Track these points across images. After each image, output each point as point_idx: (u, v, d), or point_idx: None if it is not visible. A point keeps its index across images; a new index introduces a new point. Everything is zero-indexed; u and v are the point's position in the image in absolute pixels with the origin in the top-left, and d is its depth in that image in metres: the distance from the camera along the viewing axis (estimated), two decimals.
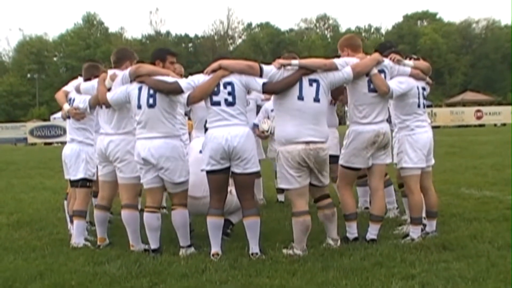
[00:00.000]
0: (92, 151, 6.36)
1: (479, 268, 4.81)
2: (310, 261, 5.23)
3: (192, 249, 5.72)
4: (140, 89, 5.64)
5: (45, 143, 41.33)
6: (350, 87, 5.92)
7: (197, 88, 5.52)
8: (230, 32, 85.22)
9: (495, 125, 44.57)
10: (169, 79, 5.65)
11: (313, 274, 4.84)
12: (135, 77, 5.70)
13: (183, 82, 5.59)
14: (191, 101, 5.63)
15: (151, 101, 5.58)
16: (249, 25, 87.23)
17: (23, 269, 5.30)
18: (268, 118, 8.65)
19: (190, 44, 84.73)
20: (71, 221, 6.62)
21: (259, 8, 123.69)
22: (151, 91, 5.59)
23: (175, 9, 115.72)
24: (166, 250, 5.81)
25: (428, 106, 41.20)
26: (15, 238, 6.85)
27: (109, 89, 5.88)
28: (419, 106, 6.08)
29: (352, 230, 6.00)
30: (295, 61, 5.52)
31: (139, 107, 5.63)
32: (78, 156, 6.39)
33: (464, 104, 53.20)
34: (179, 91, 5.55)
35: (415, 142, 6.01)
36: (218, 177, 5.53)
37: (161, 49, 6.41)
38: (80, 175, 6.37)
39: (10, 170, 17.48)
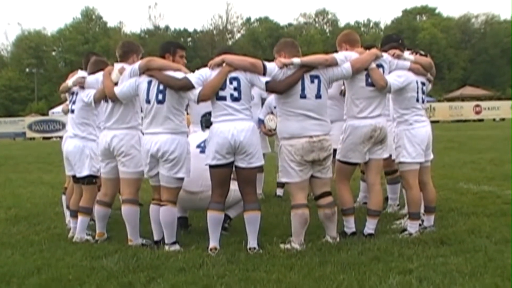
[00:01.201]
0: (95, 146, 6.29)
1: (477, 262, 4.82)
2: (307, 256, 5.23)
3: (176, 246, 5.67)
4: (149, 83, 5.60)
5: (44, 138, 41.31)
6: (348, 81, 5.92)
7: (206, 86, 5.49)
8: (229, 27, 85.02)
9: (494, 120, 44.61)
10: (179, 74, 5.60)
11: (310, 269, 4.85)
12: (145, 70, 5.65)
13: (193, 78, 5.54)
14: (201, 99, 5.55)
15: (160, 97, 5.55)
16: (248, 19, 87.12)
17: (20, 264, 5.31)
18: (272, 113, 8.61)
19: (189, 39, 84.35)
20: (72, 215, 6.59)
21: (258, 3, 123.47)
22: (161, 87, 5.56)
23: (174, 4, 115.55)
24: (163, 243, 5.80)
25: (428, 102, 41.22)
26: (13, 233, 6.85)
27: (116, 83, 5.84)
28: (417, 100, 6.08)
29: (349, 225, 6.01)
30: (296, 60, 5.49)
31: (148, 101, 5.60)
32: (82, 153, 6.33)
33: (463, 99, 53.15)
34: (190, 87, 5.51)
35: (413, 137, 6.00)
36: (222, 172, 5.53)
37: (170, 42, 6.33)
38: (85, 172, 6.32)
39: (9, 164, 17.48)
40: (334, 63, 5.62)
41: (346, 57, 5.74)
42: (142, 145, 5.72)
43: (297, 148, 5.49)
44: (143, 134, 5.83)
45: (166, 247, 5.65)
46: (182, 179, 5.72)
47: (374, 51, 5.94)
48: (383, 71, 5.89)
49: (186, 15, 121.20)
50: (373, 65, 5.80)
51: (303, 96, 5.50)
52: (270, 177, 9.61)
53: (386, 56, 5.98)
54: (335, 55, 5.73)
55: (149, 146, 5.60)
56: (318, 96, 5.54)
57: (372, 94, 5.84)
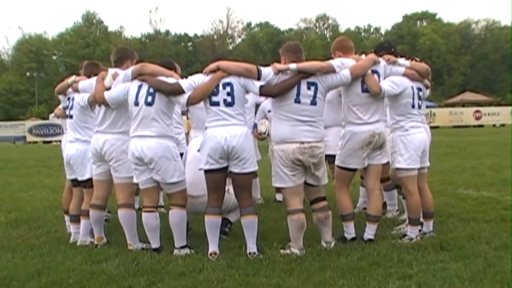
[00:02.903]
0: None
1: (476, 268, 4.83)
2: (307, 261, 5.24)
3: (186, 250, 5.69)
4: (140, 86, 5.66)
5: (44, 142, 41.32)
6: (343, 87, 5.93)
7: (197, 89, 5.54)
8: (229, 32, 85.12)
9: (494, 125, 44.62)
10: (171, 80, 5.67)
11: (310, 274, 4.86)
12: (137, 75, 5.71)
13: (184, 83, 5.60)
14: (191, 102, 5.62)
15: (149, 99, 5.59)
16: (249, 24, 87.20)
17: (21, 268, 5.31)
18: (266, 118, 8.64)
19: (190, 44, 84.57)
20: (72, 220, 6.60)
21: (259, 8, 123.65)
22: (151, 90, 5.60)
23: (175, 8, 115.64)
24: (163, 249, 5.81)
25: (429, 107, 41.14)
26: (13, 237, 6.86)
27: (109, 88, 5.87)
28: (413, 106, 6.05)
29: (349, 230, 6.01)
30: (293, 66, 5.50)
31: (136, 104, 5.63)
32: (84, 156, 6.34)
33: (463, 104, 53.19)
34: (181, 91, 5.56)
35: (409, 143, 6.00)
36: (216, 176, 5.55)
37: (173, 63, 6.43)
38: (88, 175, 6.34)
39: (9, 168, 17.48)
40: (332, 70, 5.62)
41: (343, 64, 5.74)
42: (129, 149, 5.72)
43: (288, 154, 5.49)
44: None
45: (176, 251, 5.66)
46: (178, 182, 5.73)
47: (372, 56, 5.95)
48: (378, 77, 5.90)
49: (186, 19, 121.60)
50: (369, 71, 5.81)
51: (297, 101, 5.50)
52: (269, 182, 9.58)
53: (381, 61, 6.00)
54: (331, 62, 5.73)
55: (135, 150, 5.60)
56: (313, 102, 5.54)
57: (368, 100, 5.85)
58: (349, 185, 6.25)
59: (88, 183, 6.36)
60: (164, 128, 5.65)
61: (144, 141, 5.58)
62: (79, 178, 6.43)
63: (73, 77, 6.50)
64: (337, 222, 6.00)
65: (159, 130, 5.61)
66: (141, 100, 5.61)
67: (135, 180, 5.83)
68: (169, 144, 5.68)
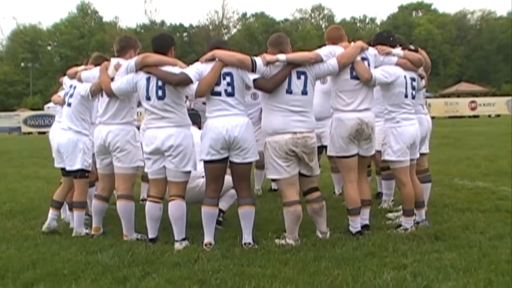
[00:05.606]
0: (89, 141, 6.31)
1: (471, 258, 4.84)
2: (302, 251, 5.24)
3: (186, 242, 5.65)
4: (148, 80, 5.59)
5: (39, 132, 41.22)
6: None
7: (202, 82, 5.47)
8: (225, 22, 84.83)
9: (489, 116, 44.64)
10: (176, 69, 5.59)
11: (305, 264, 4.86)
12: (141, 67, 5.65)
13: (191, 72, 5.52)
14: (198, 95, 5.57)
15: (160, 93, 5.55)
16: (244, 15, 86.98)
17: (15, 258, 5.31)
18: None
19: (185, 34, 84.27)
20: (52, 206, 6.55)
21: None
22: (160, 83, 5.55)
23: None
24: (158, 239, 5.80)
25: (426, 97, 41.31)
26: (8, 227, 6.85)
27: (112, 79, 5.83)
28: (406, 96, 6.01)
29: (355, 224, 5.88)
30: (282, 57, 5.47)
31: (148, 98, 5.59)
32: (75, 146, 6.30)
33: (458, 95, 53.21)
34: (188, 81, 5.49)
35: (399, 135, 5.95)
36: (217, 167, 5.54)
37: (172, 37, 6.25)
38: (78, 166, 6.30)
39: (4, 159, 17.44)
40: (319, 60, 5.61)
41: (330, 52, 5.71)
42: (146, 138, 5.69)
43: (281, 144, 5.47)
44: (138, 129, 5.82)
45: (177, 244, 5.60)
46: (189, 172, 5.73)
47: (358, 43, 5.89)
48: (368, 64, 5.85)
49: (182, 10, 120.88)
50: (358, 58, 5.77)
51: (289, 91, 5.49)
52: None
53: (371, 49, 5.94)
54: (319, 51, 5.70)
55: (153, 139, 5.59)
56: (304, 92, 5.54)
57: (357, 87, 5.80)
58: (356, 174, 5.94)
59: (78, 174, 6.33)
60: (181, 117, 5.64)
61: (162, 131, 5.56)
62: (68, 168, 6.38)
63: (83, 67, 6.46)
64: (332, 212, 5.99)
65: (175, 120, 5.60)
66: (153, 95, 5.56)
67: (146, 170, 5.81)
68: (186, 132, 5.67)
